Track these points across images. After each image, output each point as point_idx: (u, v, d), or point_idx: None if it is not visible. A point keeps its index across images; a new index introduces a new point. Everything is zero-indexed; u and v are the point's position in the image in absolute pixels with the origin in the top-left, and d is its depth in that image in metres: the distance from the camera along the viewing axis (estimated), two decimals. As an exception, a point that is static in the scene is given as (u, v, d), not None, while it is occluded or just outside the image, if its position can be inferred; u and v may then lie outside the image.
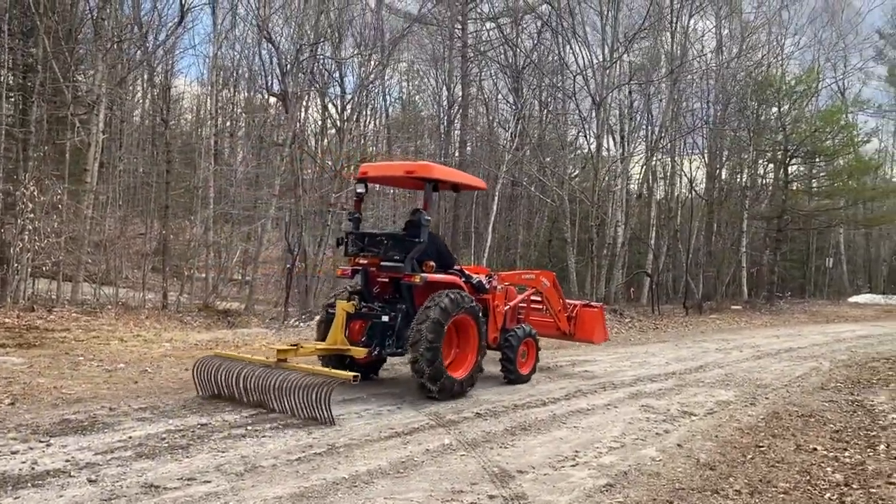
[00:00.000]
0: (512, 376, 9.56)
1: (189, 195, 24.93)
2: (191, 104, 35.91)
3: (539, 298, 10.87)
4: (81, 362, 9.54)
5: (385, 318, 8.44)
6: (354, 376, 7.16)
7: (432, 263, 8.63)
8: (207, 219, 20.60)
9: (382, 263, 8.55)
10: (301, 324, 15.24)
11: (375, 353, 8.46)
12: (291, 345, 8.13)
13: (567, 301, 11.28)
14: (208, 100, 28.36)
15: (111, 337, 11.78)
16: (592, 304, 11.92)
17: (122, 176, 25.51)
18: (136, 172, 28.53)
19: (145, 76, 27.13)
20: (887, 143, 45.99)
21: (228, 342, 12.34)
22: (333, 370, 7.60)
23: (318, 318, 13.76)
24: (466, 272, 9.28)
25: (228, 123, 32.32)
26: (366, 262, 8.67)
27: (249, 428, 6.58)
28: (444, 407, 7.89)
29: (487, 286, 9.35)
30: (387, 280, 8.86)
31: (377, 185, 20.44)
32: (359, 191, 9.06)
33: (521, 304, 10.43)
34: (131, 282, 19.04)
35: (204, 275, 20.35)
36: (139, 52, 21.70)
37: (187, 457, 5.67)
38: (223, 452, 5.82)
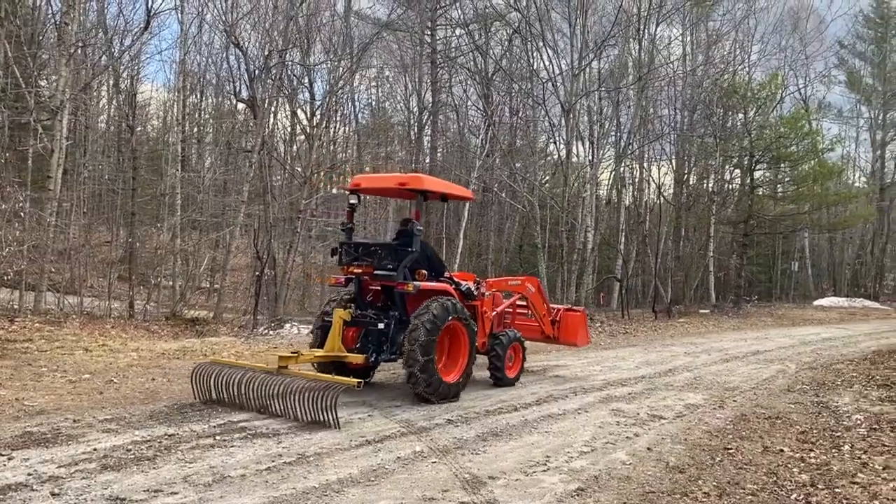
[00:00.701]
0: (499, 379, 9.85)
1: (156, 202, 24.58)
2: (157, 110, 35.48)
3: (524, 303, 11.18)
4: (44, 373, 9.34)
5: (381, 326, 8.72)
6: (359, 382, 7.48)
7: (424, 272, 8.90)
8: (175, 226, 20.31)
9: (376, 272, 8.79)
10: (270, 332, 15.10)
11: (373, 359, 8.71)
12: (292, 352, 8.30)
13: (551, 305, 11.68)
14: (175, 106, 28.02)
15: (75, 347, 11.55)
16: (575, 308, 12.33)
17: (86, 183, 25.06)
18: (101, 179, 28.06)
19: (111, 82, 26.76)
20: (850, 148, 47.01)
21: (196, 351, 12.17)
22: (337, 377, 7.84)
23: (287, 325, 13.72)
24: (455, 279, 9.54)
25: (196, 129, 31.98)
26: (360, 271, 8.87)
27: (218, 438, 6.49)
28: (416, 414, 7.87)
29: (476, 293, 9.64)
30: (379, 288, 9.14)
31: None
32: (351, 202, 9.36)
33: (507, 310, 10.73)
34: (96, 291, 18.71)
35: (171, 283, 20.06)
36: (104, 57, 21.38)
37: (154, 468, 5.57)
38: (191, 463, 5.73)
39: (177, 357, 11.46)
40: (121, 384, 8.99)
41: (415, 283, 8.62)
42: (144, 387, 8.89)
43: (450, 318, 8.50)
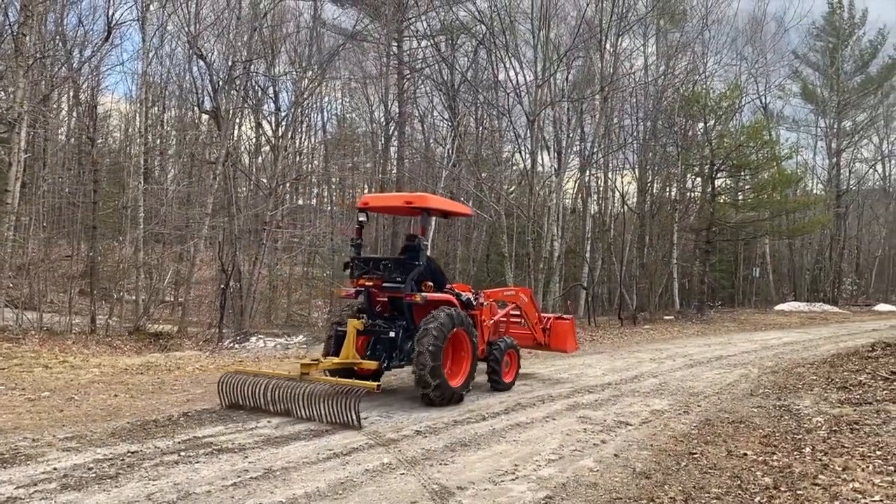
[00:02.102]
0: (497, 384, 10.37)
1: (118, 215, 24.22)
2: (119, 122, 35.00)
3: (518, 313, 11.76)
4: (2, 391, 9.12)
5: (391, 334, 9.38)
6: (377, 385, 8.18)
7: (431, 284, 9.56)
8: (137, 239, 20.01)
9: (385, 284, 9.40)
10: (236, 345, 14.94)
11: (385, 365, 9.37)
12: (313, 360, 9.09)
13: (542, 314, 12.36)
14: (137, 117, 27.66)
15: (35, 364, 11.30)
16: (564, 316, 13.06)
17: (46, 196, 24.64)
18: (61, 192, 27.60)
19: (70, 93, 26.34)
20: (807, 156, 48.08)
21: (160, 366, 11.99)
22: (357, 381, 8.51)
23: (253, 339, 13.66)
24: (457, 290, 10.11)
25: (159, 141, 31.60)
26: (371, 283, 9.48)
27: (182, 454, 6.39)
28: (384, 426, 7.84)
29: (475, 303, 10.25)
30: (386, 299, 9.77)
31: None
32: (360, 219, 9.99)
33: (502, 319, 11.29)
34: (57, 306, 18.36)
35: (134, 297, 19.75)
36: (64, 68, 21.04)
37: (116, 486, 5.46)
38: (155, 480, 5.63)
39: (140, 372, 11.28)
40: (82, 401, 8.81)
41: (422, 294, 9.21)
42: (106, 403, 8.73)
43: (455, 327, 9.07)
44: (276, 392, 8.23)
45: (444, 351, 8.89)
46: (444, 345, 8.88)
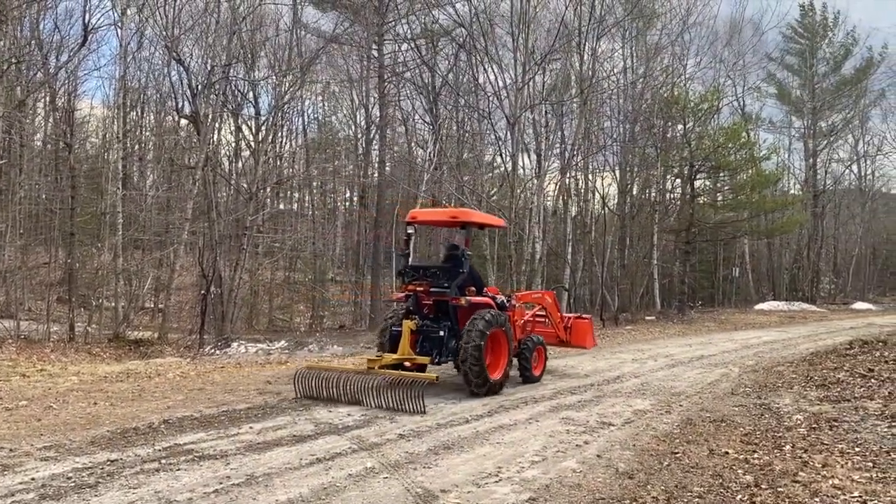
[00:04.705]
0: (528, 377, 11.38)
1: (96, 221, 23.99)
2: (97, 127, 34.65)
3: (542, 313, 12.81)
4: (-22, 401, 8.98)
5: (441, 333, 10.28)
6: (436, 376, 9.30)
7: (473, 289, 10.57)
8: (116, 245, 19.81)
9: (432, 289, 10.38)
10: (217, 351, 14.83)
11: (436, 361, 10.26)
12: (377, 355, 10.16)
13: (563, 314, 13.38)
14: (115, 122, 27.42)
15: (11, 373, 11.16)
16: (583, 316, 14.06)
17: (22, 203, 24.31)
18: (38, 199, 27.28)
19: (47, 98, 26.06)
20: (784, 157, 48.59)
21: (140, 373, 11.88)
22: (418, 373, 9.53)
23: (234, 344, 13.67)
24: (492, 294, 11.09)
25: (137, 147, 31.33)
26: (421, 288, 10.43)
27: (163, 462, 6.33)
28: (367, 430, 7.81)
29: (508, 305, 11.21)
30: (431, 302, 10.63)
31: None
32: (409, 232, 11.03)
33: (529, 319, 12.34)
34: (34, 314, 18.14)
35: (114, 304, 19.55)
36: (40, 73, 20.82)
37: (96, 496, 5.40)
38: (135, 489, 5.57)
39: (119, 380, 11.16)
40: (60, 410, 8.70)
41: (466, 298, 10.23)
42: (85, 411, 8.62)
43: (493, 328, 10.03)
44: (347, 384, 9.25)
45: (485, 349, 9.80)
46: (485, 344, 9.81)
